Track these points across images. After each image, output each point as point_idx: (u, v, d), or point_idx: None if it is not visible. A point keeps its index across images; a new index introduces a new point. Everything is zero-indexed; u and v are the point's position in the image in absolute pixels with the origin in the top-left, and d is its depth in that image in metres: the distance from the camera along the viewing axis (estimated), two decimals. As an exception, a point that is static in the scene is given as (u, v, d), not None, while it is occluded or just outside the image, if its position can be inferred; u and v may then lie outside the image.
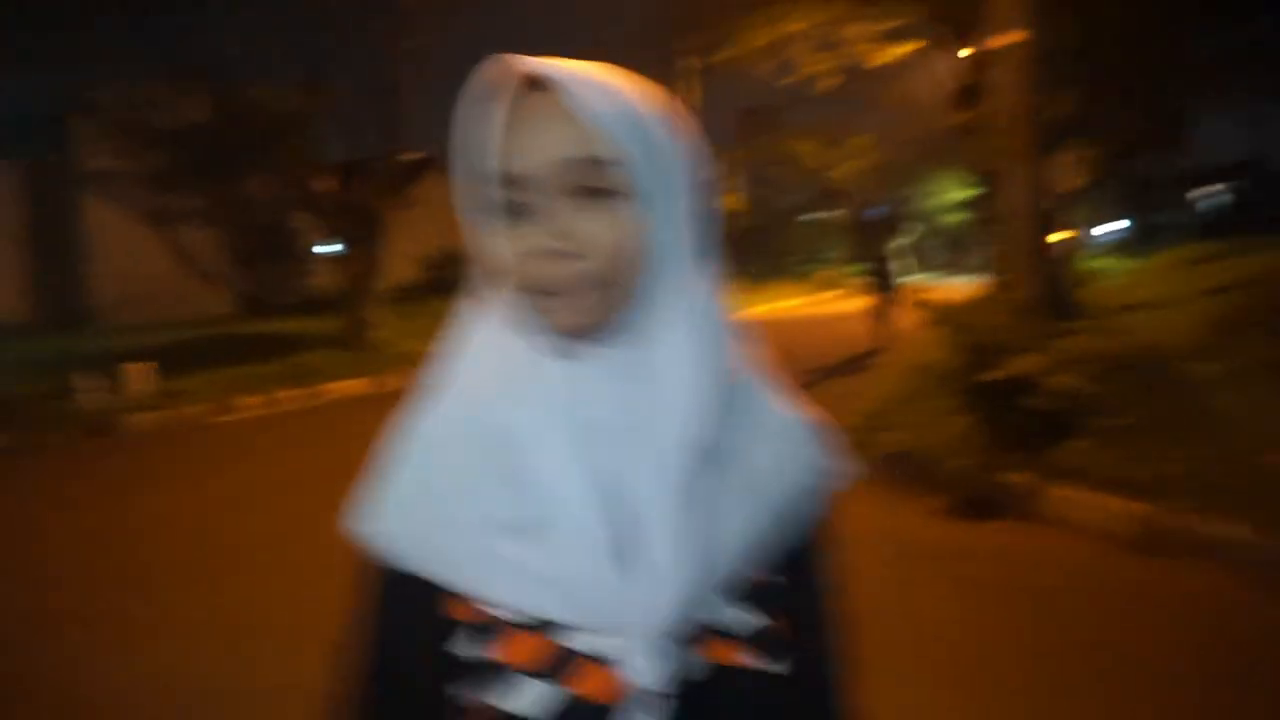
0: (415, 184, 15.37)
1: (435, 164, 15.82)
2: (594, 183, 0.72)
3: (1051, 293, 6.30)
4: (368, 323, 14.42)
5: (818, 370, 11.32)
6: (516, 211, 0.74)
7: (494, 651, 0.75)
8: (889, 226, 42.58)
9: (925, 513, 5.22)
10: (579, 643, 0.73)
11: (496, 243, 0.75)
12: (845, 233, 39.09)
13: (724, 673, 0.75)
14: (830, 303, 26.26)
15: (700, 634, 0.75)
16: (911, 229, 40.06)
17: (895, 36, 13.12)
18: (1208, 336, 8.06)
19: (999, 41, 6.64)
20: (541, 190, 0.73)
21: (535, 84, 0.72)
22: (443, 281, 19.40)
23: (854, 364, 11.97)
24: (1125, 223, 42.30)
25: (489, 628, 0.75)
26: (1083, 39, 9.89)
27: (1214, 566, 4.01)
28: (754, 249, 40.39)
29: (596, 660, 0.73)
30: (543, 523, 0.72)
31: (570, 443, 0.73)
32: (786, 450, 0.81)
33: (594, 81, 0.73)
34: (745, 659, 0.77)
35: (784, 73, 15.15)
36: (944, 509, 5.20)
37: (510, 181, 0.73)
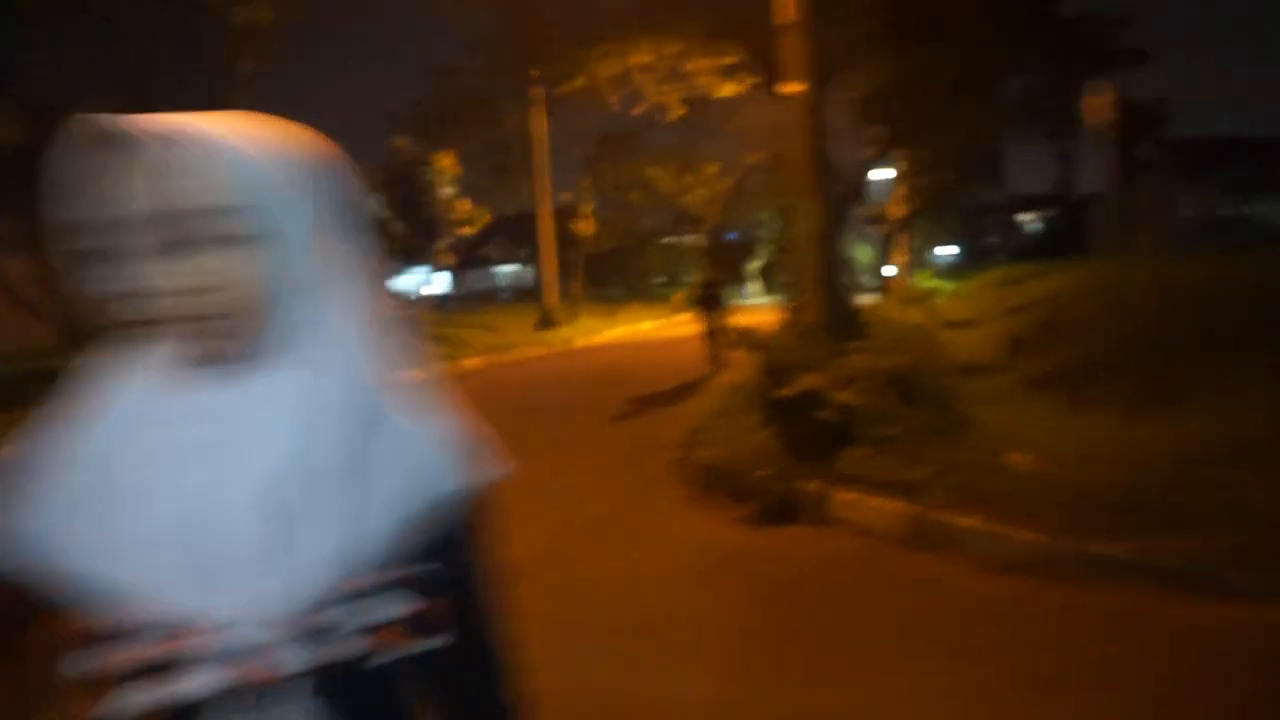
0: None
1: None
2: (180, 233, 0.77)
3: (838, 315, 6.92)
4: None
5: (659, 392, 11.76)
6: (110, 256, 0.78)
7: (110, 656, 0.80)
8: (743, 250, 44.05)
9: (732, 520, 5.65)
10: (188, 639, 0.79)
11: (91, 284, 0.80)
12: (702, 256, 40.31)
13: (373, 655, 0.83)
14: (685, 324, 26.98)
15: (345, 626, 0.81)
16: (763, 253, 41.65)
17: (731, 73, 13.86)
18: (993, 352, 8.97)
19: (788, 89, 7.27)
20: (133, 236, 0.77)
21: (127, 140, 0.77)
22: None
23: (689, 385, 12.50)
24: (956, 248, 45.59)
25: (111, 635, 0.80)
26: (892, 85, 10.82)
27: (959, 555, 4.58)
28: (613, 271, 40.91)
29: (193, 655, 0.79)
30: (139, 537, 0.79)
31: (167, 464, 0.81)
32: (418, 458, 0.87)
33: (192, 136, 0.77)
34: (402, 642, 0.84)
35: (632, 102, 15.68)
36: (749, 516, 5.64)
37: (102, 229, 0.78)
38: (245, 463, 0.80)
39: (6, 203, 14.11)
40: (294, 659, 0.80)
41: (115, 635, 0.79)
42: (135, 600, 0.79)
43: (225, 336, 0.81)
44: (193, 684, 0.79)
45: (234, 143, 0.78)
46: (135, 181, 0.76)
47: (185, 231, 0.77)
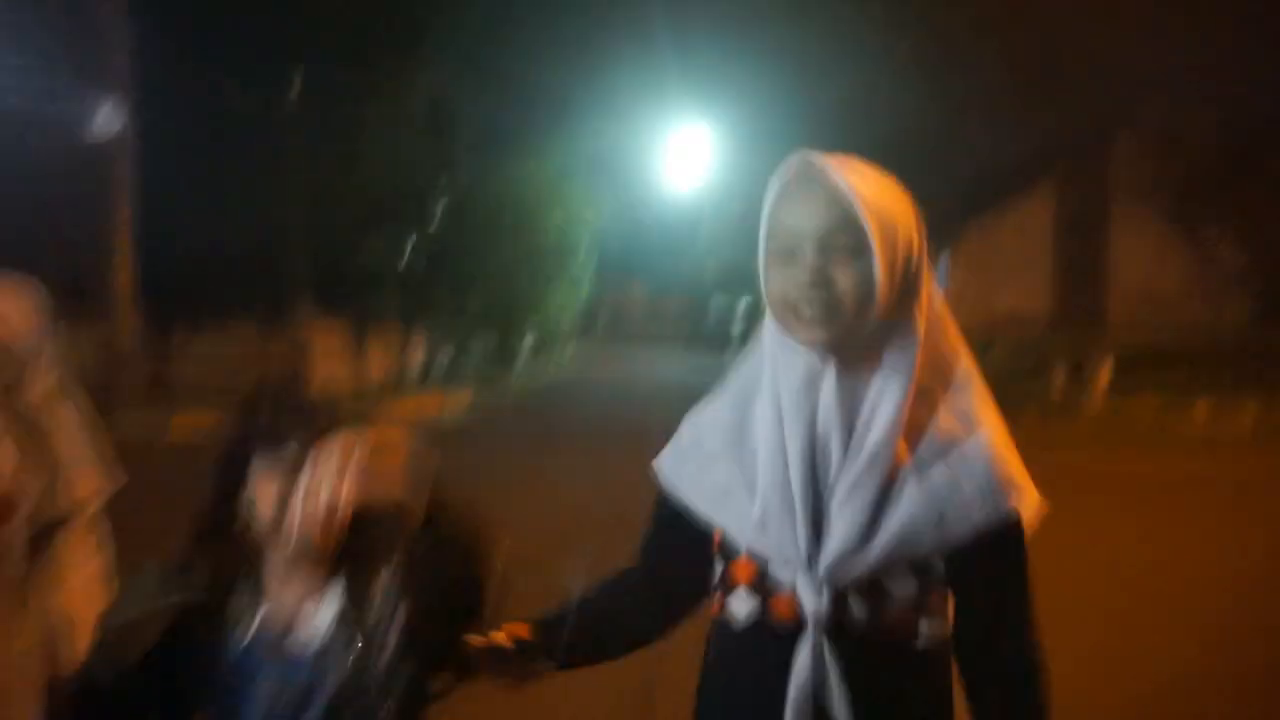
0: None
1: None
2: (840, 242, 1.05)
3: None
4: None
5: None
6: (787, 256, 1.08)
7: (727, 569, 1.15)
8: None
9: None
10: (777, 574, 1.09)
11: (771, 277, 1.10)
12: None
13: (874, 626, 1.09)
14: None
15: (869, 592, 1.08)
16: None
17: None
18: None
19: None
20: (805, 242, 1.06)
21: (812, 168, 1.07)
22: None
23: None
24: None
25: (727, 552, 1.14)
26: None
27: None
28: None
29: (786, 589, 1.08)
30: (734, 485, 1.13)
31: (795, 425, 1.09)
32: (961, 469, 1.08)
33: (850, 170, 1.07)
34: (895, 618, 1.10)
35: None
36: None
37: (783, 234, 1.08)
38: (853, 435, 1.08)
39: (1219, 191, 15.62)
40: (821, 610, 1.06)
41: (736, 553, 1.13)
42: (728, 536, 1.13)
43: (844, 329, 1.06)
44: (740, 610, 1.11)
45: (871, 181, 1.08)
46: (814, 204, 1.06)
47: (840, 243, 1.05)
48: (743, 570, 1.13)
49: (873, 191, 1.07)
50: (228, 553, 1.18)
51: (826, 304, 1.06)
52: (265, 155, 13.93)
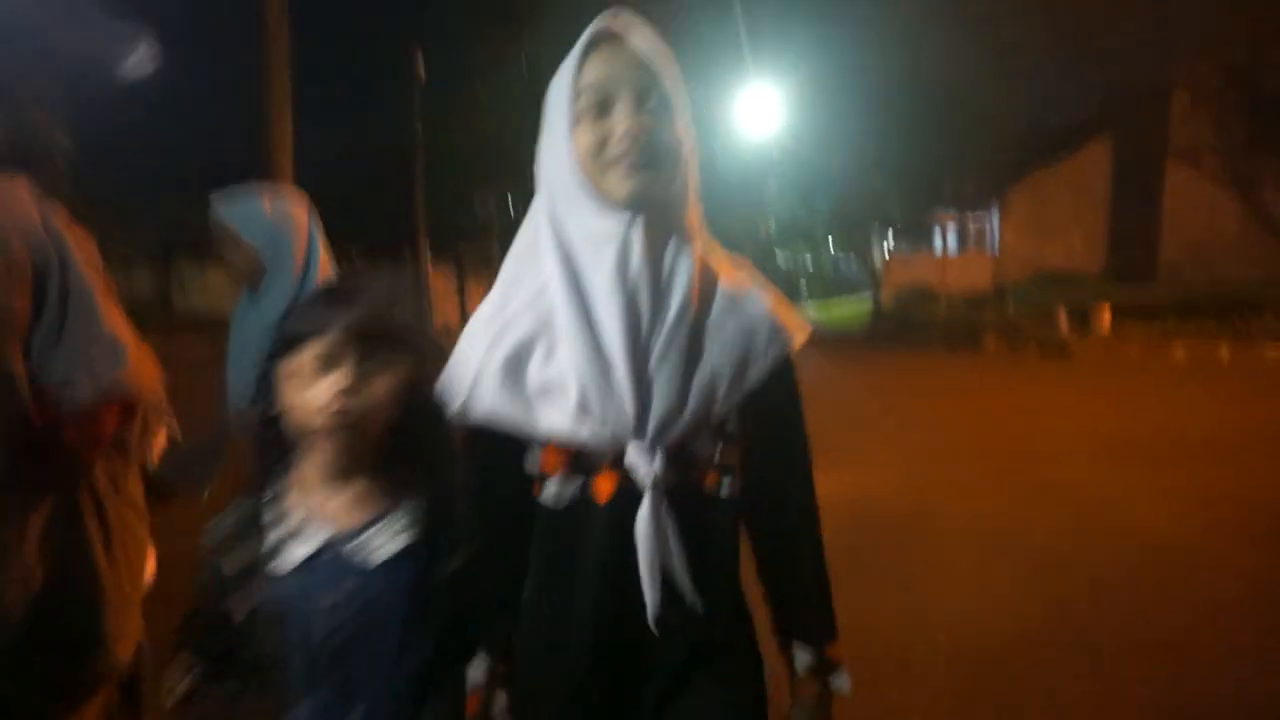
0: None
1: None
2: (650, 97, 1.08)
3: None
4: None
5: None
6: (599, 110, 1.09)
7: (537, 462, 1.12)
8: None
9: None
10: (596, 451, 1.09)
11: (580, 133, 1.10)
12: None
13: (688, 486, 1.11)
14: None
15: (681, 455, 1.10)
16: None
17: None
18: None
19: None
20: (619, 96, 1.08)
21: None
22: None
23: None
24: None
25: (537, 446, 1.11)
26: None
27: None
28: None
29: (608, 464, 1.09)
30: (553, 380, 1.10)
31: (606, 293, 1.08)
32: (752, 318, 1.15)
33: (647, 32, 1.10)
34: (703, 478, 1.12)
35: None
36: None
37: (595, 90, 1.09)
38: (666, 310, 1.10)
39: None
40: (656, 474, 1.07)
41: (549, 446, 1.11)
42: (548, 431, 1.09)
43: (657, 182, 1.08)
44: (564, 493, 1.11)
45: (660, 44, 1.11)
46: (624, 61, 1.10)
47: (650, 99, 1.10)
48: (556, 456, 1.11)
49: (666, 54, 1.10)
50: (284, 461, 1.20)
51: (648, 153, 1.07)
52: (399, 122, 16.23)
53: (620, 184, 1.07)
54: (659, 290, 1.09)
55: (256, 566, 1.17)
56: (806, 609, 1.23)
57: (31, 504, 1.40)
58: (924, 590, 3.78)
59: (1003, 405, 9.35)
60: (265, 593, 1.16)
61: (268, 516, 1.19)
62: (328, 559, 1.17)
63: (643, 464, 1.08)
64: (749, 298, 1.17)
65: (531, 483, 1.14)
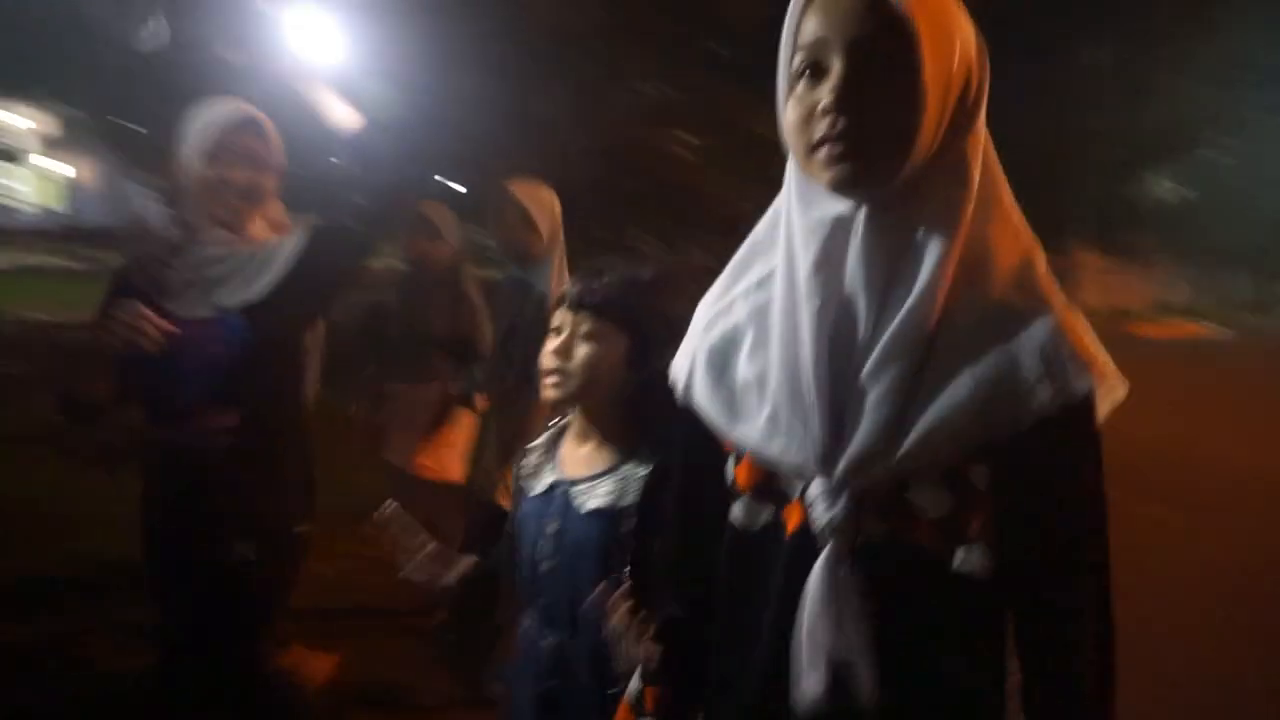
0: None
1: None
2: (879, 50, 0.80)
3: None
4: None
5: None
6: (811, 73, 0.84)
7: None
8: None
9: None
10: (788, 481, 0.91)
11: (790, 104, 0.86)
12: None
13: (898, 545, 0.85)
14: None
15: (890, 503, 0.85)
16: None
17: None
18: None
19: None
20: (832, 52, 0.82)
21: None
22: None
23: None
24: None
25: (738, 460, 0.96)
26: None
27: None
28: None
29: (796, 497, 0.89)
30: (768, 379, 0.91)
31: (812, 294, 0.87)
32: (1021, 346, 0.84)
33: None
34: (924, 538, 0.85)
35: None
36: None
37: (807, 46, 0.84)
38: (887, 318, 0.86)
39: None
40: (835, 521, 0.86)
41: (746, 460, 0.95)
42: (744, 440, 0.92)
43: (877, 164, 0.84)
44: (752, 519, 0.94)
45: None
46: (848, 4, 0.85)
47: (878, 52, 0.83)
48: (748, 471, 0.94)
49: None
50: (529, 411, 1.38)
51: (853, 138, 0.82)
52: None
53: (822, 173, 0.85)
54: (880, 295, 0.87)
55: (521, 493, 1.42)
56: None
57: None
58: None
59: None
60: (516, 510, 1.44)
61: (543, 457, 1.43)
62: (557, 495, 1.36)
63: (821, 505, 0.88)
64: (1027, 319, 0.86)
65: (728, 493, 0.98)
